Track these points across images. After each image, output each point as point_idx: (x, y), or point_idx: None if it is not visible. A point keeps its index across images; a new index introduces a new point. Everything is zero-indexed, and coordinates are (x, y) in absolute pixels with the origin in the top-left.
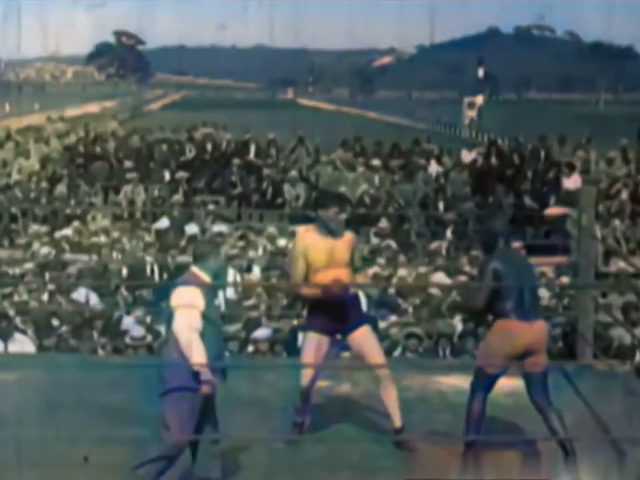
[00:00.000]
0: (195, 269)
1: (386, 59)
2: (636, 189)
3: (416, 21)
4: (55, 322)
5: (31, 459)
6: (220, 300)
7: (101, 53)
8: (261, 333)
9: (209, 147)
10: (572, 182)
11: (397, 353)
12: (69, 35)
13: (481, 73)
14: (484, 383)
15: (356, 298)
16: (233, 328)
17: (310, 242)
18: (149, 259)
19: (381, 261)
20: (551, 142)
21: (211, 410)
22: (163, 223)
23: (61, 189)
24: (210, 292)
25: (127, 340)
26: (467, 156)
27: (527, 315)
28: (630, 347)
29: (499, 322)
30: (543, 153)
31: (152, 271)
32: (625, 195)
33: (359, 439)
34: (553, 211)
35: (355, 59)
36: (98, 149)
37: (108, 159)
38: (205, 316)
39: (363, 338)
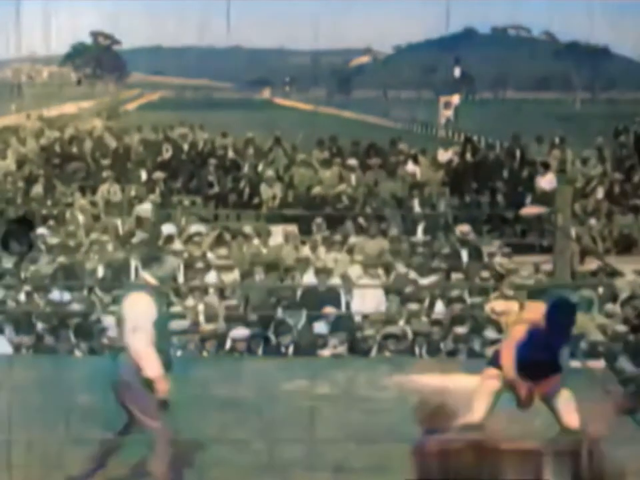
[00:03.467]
0: (146, 275)
1: (362, 59)
2: (611, 188)
3: (392, 20)
4: (33, 322)
5: (8, 460)
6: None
7: (77, 54)
8: (239, 332)
9: (186, 146)
10: (547, 181)
11: (374, 352)
12: (45, 36)
13: (457, 72)
14: None
15: None
16: (210, 327)
17: None
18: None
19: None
20: (527, 141)
21: None
22: (146, 208)
23: (37, 189)
24: (160, 297)
25: (104, 340)
26: (443, 155)
27: None
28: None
29: None
30: (518, 152)
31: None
32: (600, 193)
33: (338, 439)
34: (529, 210)
35: (331, 59)
36: (74, 149)
37: (84, 159)
38: (155, 323)
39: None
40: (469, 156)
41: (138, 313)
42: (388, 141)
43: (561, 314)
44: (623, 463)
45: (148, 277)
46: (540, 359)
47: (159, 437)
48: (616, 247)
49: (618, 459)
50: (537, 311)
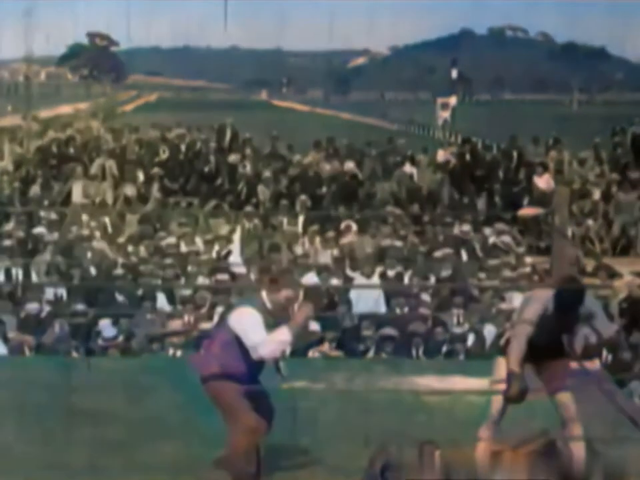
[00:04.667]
0: (264, 295)
1: (360, 60)
2: (608, 189)
3: (389, 22)
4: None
5: (4, 461)
6: None
7: (74, 54)
8: None
9: (183, 148)
10: (544, 182)
11: (370, 353)
12: (43, 36)
13: (454, 74)
14: None
15: None
16: (207, 325)
17: None
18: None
19: None
20: (524, 142)
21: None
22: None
23: (35, 189)
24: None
25: (99, 341)
26: (442, 156)
27: None
28: (597, 346)
29: None
30: (515, 154)
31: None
32: (597, 194)
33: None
34: (526, 211)
35: (328, 60)
36: (71, 150)
37: (81, 160)
38: None
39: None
40: (467, 157)
41: (252, 325)
42: (385, 140)
43: (567, 296)
44: (622, 463)
45: (265, 296)
46: (545, 343)
47: (245, 430)
48: (614, 248)
49: (618, 458)
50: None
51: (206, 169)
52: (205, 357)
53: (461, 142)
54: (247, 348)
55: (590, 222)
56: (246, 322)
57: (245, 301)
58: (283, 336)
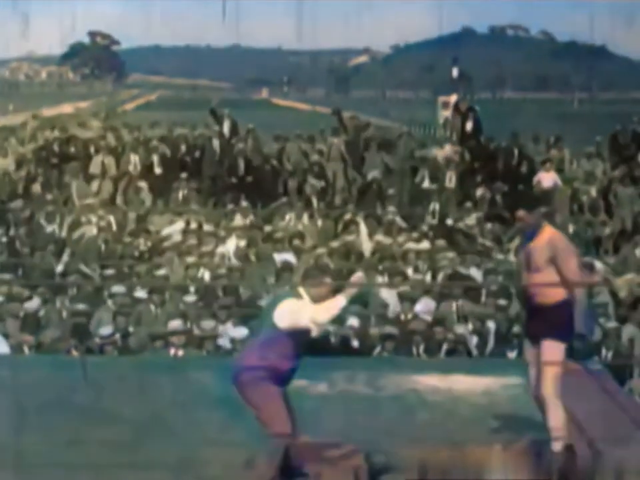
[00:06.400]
0: (302, 290)
1: (361, 59)
2: (609, 187)
3: (391, 21)
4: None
5: (5, 460)
6: None
7: (75, 53)
8: (238, 332)
9: (184, 147)
10: (549, 178)
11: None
12: (44, 35)
13: (455, 72)
14: None
15: (565, 306)
16: (208, 325)
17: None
18: None
19: None
20: (525, 141)
21: None
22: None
23: (36, 188)
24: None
25: (96, 339)
26: (442, 155)
27: None
28: (596, 344)
29: None
30: (516, 152)
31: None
32: (594, 192)
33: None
34: None
35: (329, 58)
36: (72, 149)
37: (82, 159)
38: None
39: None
40: (469, 126)
41: (301, 305)
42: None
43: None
44: (621, 462)
45: (303, 292)
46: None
47: (278, 440)
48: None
49: (617, 458)
50: None
51: (209, 166)
52: (246, 351)
53: (465, 110)
54: (304, 329)
55: (590, 218)
56: (293, 306)
57: (281, 295)
58: (339, 301)
